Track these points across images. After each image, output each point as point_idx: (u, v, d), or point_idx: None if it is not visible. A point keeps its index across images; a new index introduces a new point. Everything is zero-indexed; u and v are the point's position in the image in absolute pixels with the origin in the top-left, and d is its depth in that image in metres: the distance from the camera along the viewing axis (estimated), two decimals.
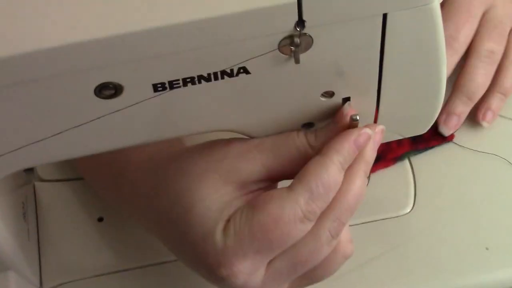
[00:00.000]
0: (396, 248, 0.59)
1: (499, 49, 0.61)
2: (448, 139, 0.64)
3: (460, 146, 0.63)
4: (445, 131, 0.63)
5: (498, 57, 0.61)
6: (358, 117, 0.46)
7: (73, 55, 0.38)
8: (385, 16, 0.40)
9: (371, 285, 0.58)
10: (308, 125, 0.49)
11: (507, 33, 0.63)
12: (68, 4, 0.38)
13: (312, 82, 0.44)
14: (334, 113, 0.48)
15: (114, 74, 0.40)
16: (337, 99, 0.46)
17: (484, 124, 0.63)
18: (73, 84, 0.40)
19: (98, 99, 0.42)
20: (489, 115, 0.63)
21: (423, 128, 0.53)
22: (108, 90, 0.41)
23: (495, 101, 0.62)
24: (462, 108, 0.62)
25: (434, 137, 0.64)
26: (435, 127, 0.64)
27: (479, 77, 0.61)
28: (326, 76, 0.44)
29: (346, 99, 0.47)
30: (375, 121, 0.50)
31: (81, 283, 0.61)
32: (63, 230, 0.63)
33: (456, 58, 0.62)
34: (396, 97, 0.47)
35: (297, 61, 0.41)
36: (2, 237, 0.55)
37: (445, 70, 0.46)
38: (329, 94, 0.46)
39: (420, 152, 0.63)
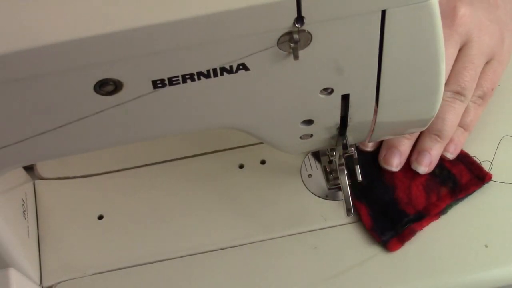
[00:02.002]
0: None
1: (466, 90, 0.60)
2: (487, 180, 0.61)
3: (499, 182, 0.61)
4: (419, 168, 0.61)
5: (465, 97, 0.61)
6: None
7: (73, 51, 0.38)
8: (384, 12, 0.40)
9: (371, 282, 0.58)
10: (307, 122, 0.49)
11: (478, 72, 0.61)
12: (68, 1, 0.38)
13: (311, 79, 0.44)
14: (333, 110, 0.48)
15: (114, 70, 0.41)
16: (336, 96, 0.47)
17: (448, 155, 0.62)
18: (73, 81, 0.41)
19: (98, 95, 0.42)
20: (452, 148, 0.62)
21: (422, 125, 0.53)
22: (108, 86, 0.41)
23: (456, 135, 0.62)
24: (433, 145, 0.61)
25: (472, 181, 0.61)
26: (472, 171, 0.61)
27: (447, 115, 0.60)
28: (325, 72, 0.44)
29: (345, 96, 0.47)
30: (374, 118, 0.50)
31: (81, 281, 0.61)
32: (63, 228, 0.63)
33: None
34: (394, 94, 0.47)
35: (296, 57, 0.41)
36: (2, 234, 0.56)
37: (443, 67, 0.46)
38: (328, 91, 0.46)
39: (462, 200, 0.60)
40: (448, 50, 0.59)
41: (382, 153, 0.62)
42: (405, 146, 0.62)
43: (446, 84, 0.60)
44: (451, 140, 0.62)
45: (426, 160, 0.61)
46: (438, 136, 0.61)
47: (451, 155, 0.62)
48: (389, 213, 0.60)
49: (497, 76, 0.64)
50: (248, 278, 0.59)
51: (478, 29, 0.61)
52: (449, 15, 0.60)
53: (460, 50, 0.61)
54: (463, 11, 0.61)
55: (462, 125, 0.63)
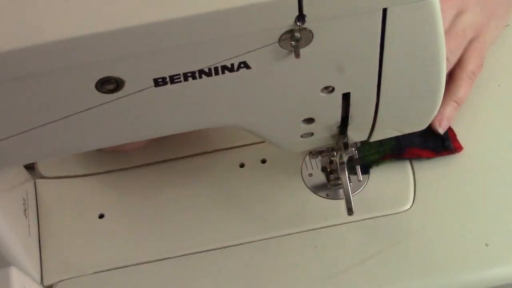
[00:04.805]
0: (396, 244, 0.59)
1: (453, 56, 0.63)
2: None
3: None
4: None
5: (450, 63, 0.63)
6: None
7: (74, 49, 0.38)
8: (385, 11, 0.41)
9: (372, 280, 0.58)
10: (308, 121, 0.50)
11: (465, 43, 0.64)
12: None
13: (312, 77, 0.45)
14: (334, 108, 0.48)
15: (115, 68, 0.41)
16: (337, 95, 0.47)
17: (440, 130, 0.63)
18: (75, 79, 0.41)
19: (99, 93, 0.42)
20: (444, 123, 0.63)
21: (422, 124, 0.53)
22: (109, 84, 0.41)
23: (449, 109, 0.63)
24: None
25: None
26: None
27: None
28: (326, 71, 0.44)
29: (346, 94, 0.47)
30: (375, 117, 0.50)
31: (81, 280, 0.61)
32: (64, 227, 0.63)
33: None
34: (396, 92, 0.47)
35: (297, 55, 0.41)
36: (3, 233, 0.56)
37: (444, 65, 0.46)
38: (329, 89, 0.46)
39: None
40: (447, 11, 0.61)
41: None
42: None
43: None
44: (445, 116, 0.63)
45: None
46: None
47: (442, 130, 0.64)
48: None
49: (483, 54, 0.65)
50: (248, 277, 0.59)
51: (474, 4, 0.63)
52: None
53: (453, 18, 0.63)
54: None
55: (456, 99, 0.64)
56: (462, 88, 0.64)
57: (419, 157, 0.63)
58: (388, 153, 0.63)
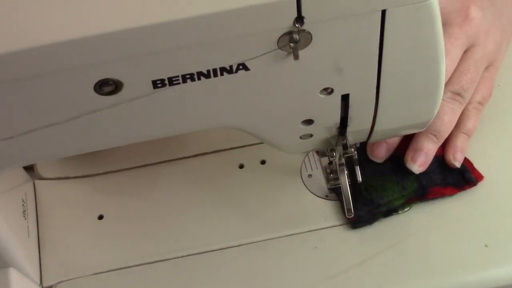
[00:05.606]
0: (396, 245, 0.59)
1: (466, 92, 0.61)
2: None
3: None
4: (413, 167, 0.61)
5: (464, 99, 0.62)
6: None
7: (73, 51, 0.38)
8: (384, 12, 0.41)
9: (372, 281, 0.58)
10: (307, 122, 0.49)
11: (478, 76, 0.62)
12: (68, 1, 0.38)
13: (311, 79, 0.45)
14: (333, 110, 0.48)
15: (114, 70, 0.41)
16: (336, 96, 0.47)
17: (456, 164, 0.62)
18: (73, 81, 0.41)
19: (98, 95, 0.42)
20: (459, 155, 0.62)
21: (421, 126, 0.53)
22: (108, 86, 0.41)
23: (460, 141, 0.63)
24: (429, 145, 0.61)
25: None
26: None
27: (446, 116, 0.60)
28: (325, 72, 0.44)
29: (345, 96, 0.47)
30: (374, 118, 0.50)
31: (81, 281, 0.61)
32: (63, 228, 0.63)
33: None
34: (395, 94, 0.47)
35: (296, 57, 0.41)
36: (2, 234, 0.56)
37: (443, 67, 0.46)
38: (328, 91, 0.46)
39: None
40: (454, 51, 0.60)
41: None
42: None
43: (447, 84, 0.60)
44: (458, 148, 0.62)
45: (421, 159, 0.61)
46: (435, 136, 0.61)
47: (458, 163, 0.62)
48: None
49: (493, 82, 0.65)
50: (248, 278, 0.59)
51: (485, 34, 0.62)
52: (462, 14, 0.61)
53: (465, 52, 0.61)
54: (475, 13, 0.61)
55: (465, 131, 0.63)
56: (470, 120, 0.63)
57: (443, 196, 0.61)
58: (412, 196, 0.61)
